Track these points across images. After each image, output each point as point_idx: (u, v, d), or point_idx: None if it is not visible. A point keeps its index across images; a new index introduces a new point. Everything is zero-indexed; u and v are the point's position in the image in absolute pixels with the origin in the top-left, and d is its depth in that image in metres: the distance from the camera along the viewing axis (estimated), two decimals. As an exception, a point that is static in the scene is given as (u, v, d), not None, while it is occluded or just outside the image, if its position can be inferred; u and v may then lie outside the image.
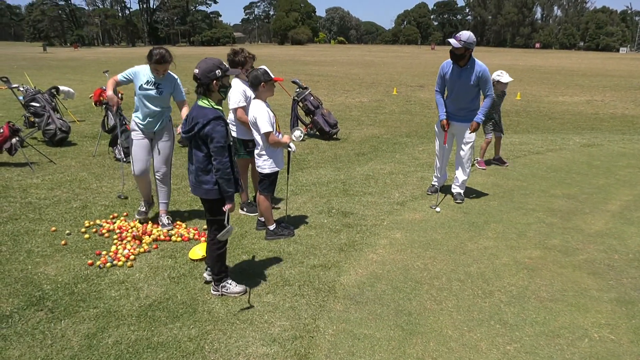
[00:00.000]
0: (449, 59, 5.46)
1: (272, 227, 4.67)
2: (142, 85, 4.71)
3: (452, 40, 5.23)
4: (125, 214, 5.30)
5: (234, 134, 5.15)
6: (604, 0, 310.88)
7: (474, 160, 7.60)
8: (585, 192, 6.27)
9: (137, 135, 4.85)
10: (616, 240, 4.77)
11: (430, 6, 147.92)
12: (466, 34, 5.20)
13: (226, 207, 3.43)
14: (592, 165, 7.64)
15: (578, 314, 3.49)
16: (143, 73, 4.75)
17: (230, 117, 5.12)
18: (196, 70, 3.32)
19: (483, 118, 5.54)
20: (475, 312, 3.49)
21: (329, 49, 78.15)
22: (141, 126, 4.83)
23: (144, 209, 5.08)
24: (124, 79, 4.83)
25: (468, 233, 4.91)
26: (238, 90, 4.89)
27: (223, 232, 3.41)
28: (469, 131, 5.57)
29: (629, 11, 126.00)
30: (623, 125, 11.92)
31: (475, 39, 5.25)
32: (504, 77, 7.18)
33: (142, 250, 4.37)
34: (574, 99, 16.79)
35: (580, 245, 4.64)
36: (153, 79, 4.71)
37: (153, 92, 4.73)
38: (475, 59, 5.37)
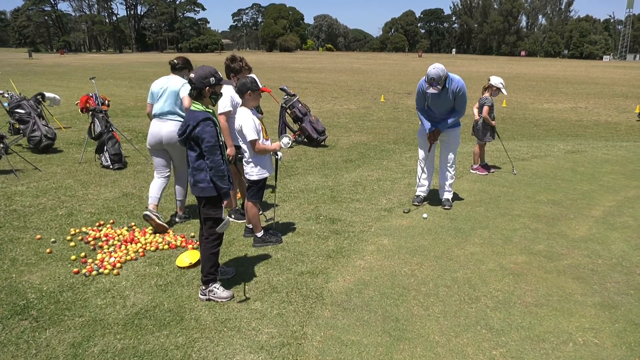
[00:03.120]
0: None
1: (260, 234, 4.67)
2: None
3: (432, 90, 5.28)
4: (111, 221, 5.27)
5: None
6: (588, 9, 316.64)
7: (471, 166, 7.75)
8: (569, 198, 6.35)
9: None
10: (600, 245, 4.84)
11: (418, 14, 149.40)
12: (437, 73, 5.19)
13: (224, 203, 3.58)
14: (576, 171, 7.75)
15: (562, 318, 3.53)
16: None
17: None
18: (192, 75, 3.49)
19: (446, 128, 5.68)
20: (461, 318, 3.52)
21: (317, 56, 78.48)
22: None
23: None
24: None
25: (455, 239, 4.95)
26: (226, 96, 4.90)
27: (221, 224, 3.55)
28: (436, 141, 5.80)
29: (612, 20, 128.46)
30: (607, 131, 12.12)
31: (443, 67, 5.27)
32: (503, 90, 7.29)
33: (128, 258, 4.35)
34: (558, 106, 17.03)
35: (564, 251, 4.70)
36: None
37: None
38: (450, 75, 5.41)
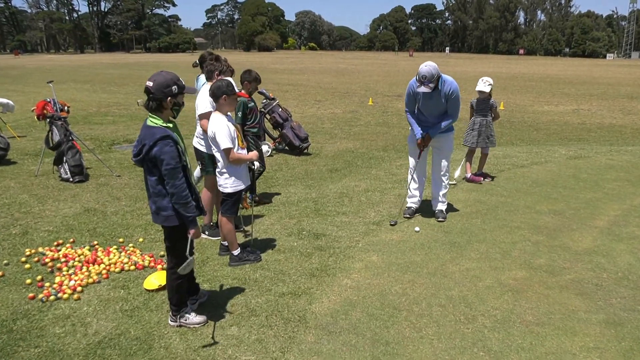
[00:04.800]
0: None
1: (236, 252, 4.66)
2: None
3: (423, 89, 5.36)
4: (71, 240, 5.21)
5: (202, 148, 5.16)
6: (589, 5, 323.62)
7: (464, 176, 7.83)
8: (572, 207, 6.46)
9: None
10: (605, 258, 4.92)
11: (408, 10, 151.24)
12: (429, 71, 5.28)
13: (190, 233, 3.44)
14: (579, 178, 7.89)
15: (565, 337, 3.58)
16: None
17: (199, 129, 5.14)
18: (150, 83, 3.30)
19: (437, 133, 5.75)
20: (457, 339, 3.54)
21: (299, 56, 78.85)
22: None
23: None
24: None
25: (449, 254, 5.00)
26: (207, 95, 4.88)
27: (184, 265, 3.41)
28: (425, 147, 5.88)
29: (615, 16, 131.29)
30: (611, 135, 12.35)
31: (436, 65, 5.36)
32: (478, 84, 7.39)
33: (90, 280, 4.30)
34: (559, 109, 17.33)
35: (567, 264, 4.77)
36: None
37: None
38: (443, 76, 5.50)
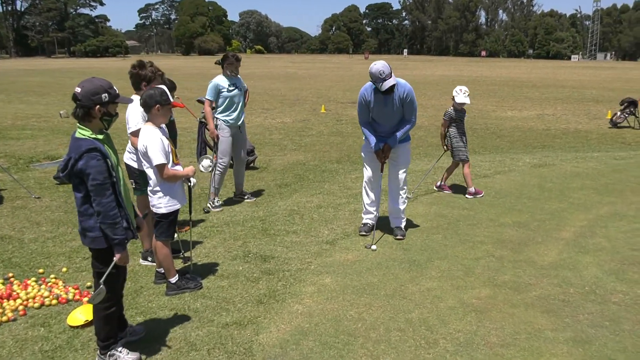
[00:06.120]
0: (369, 83, 5.70)
1: (173, 279, 4.61)
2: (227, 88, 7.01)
3: (390, 82, 5.41)
4: (-18, 272, 5.02)
5: (134, 164, 5.09)
6: (552, 4, 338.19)
7: (439, 184, 8.07)
8: (537, 219, 6.69)
9: (225, 133, 7.13)
10: (571, 271, 5.12)
11: (362, 9, 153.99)
12: (383, 65, 5.41)
13: (116, 257, 3.39)
14: (544, 188, 8.19)
15: (532, 358, 3.70)
16: (222, 81, 7.03)
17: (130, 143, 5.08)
18: (78, 89, 3.29)
19: (397, 142, 5.85)
20: (417, 366, 3.60)
21: (245, 60, 78.22)
22: (231, 122, 7.12)
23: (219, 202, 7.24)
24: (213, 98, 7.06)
25: (409, 273, 5.09)
26: (138, 110, 4.84)
27: (94, 293, 3.37)
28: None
29: (579, 15, 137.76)
30: (576, 141, 12.91)
31: (385, 62, 5.48)
32: (459, 96, 7.47)
33: (4, 319, 4.16)
34: (523, 114, 17.99)
35: (532, 280, 4.94)
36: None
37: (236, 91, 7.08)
38: (396, 78, 5.61)
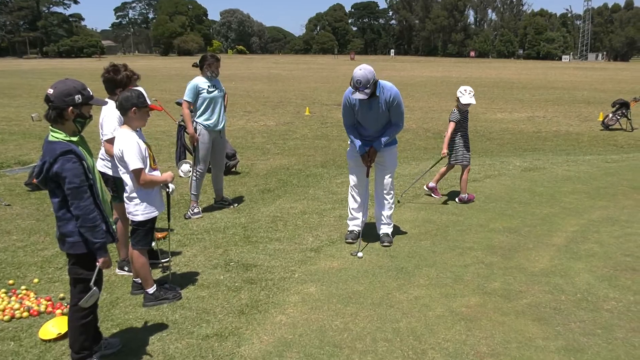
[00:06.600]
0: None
1: (151, 289, 4.58)
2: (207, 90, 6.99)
3: (358, 95, 5.40)
4: (-52, 284, 4.96)
5: (109, 171, 5.05)
6: (542, 3, 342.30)
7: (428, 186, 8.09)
8: (527, 224, 6.75)
9: (205, 139, 7.06)
10: (562, 278, 5.17)
11: (348, 9, 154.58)
12: (363, 75, 5.33)
13: (99, 262, 3.41)
14: (534, 192, 8.27)
15: (522, 369, 3.72)
16: (201, 82, 7.00)
17: (104, 150, 5.05)
18: (50, 91, 3.31)
19: (382, 146, 5.86)
20: (405, 378, 3.61)
21: (226, 61, 78.66)
22: (211, 127, 7.06)
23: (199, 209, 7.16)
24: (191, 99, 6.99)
25: (396, 281, 5.10)
26: (113, 116, 4.81)
27: (86, 296, 3.37)
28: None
29: (569, 15, 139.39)
30: (567, 144, 13.05)
31: (371, 69, 5.42)
32: (464, 97, 7.41)
33: (-28, 332, 4.10)
34: (513, 116, 18.15)
35: (523, 287, 4.97)
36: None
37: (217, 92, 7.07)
38: (381, 82, 5.62)
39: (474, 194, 7.87)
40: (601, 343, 4.03)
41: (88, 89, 3.43)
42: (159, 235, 6.07)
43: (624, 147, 12.69)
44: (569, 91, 28.63)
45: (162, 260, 5.41)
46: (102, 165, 5.14)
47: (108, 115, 4.89)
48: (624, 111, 15.08)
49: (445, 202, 7.71)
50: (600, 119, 16.10)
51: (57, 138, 3.32)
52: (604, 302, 4.69)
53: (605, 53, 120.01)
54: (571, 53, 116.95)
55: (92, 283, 3.41)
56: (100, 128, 4.98)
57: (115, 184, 5.06)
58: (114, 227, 3.64)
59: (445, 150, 7.56)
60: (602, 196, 8.02)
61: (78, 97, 3.33)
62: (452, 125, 7.50)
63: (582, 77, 42.88)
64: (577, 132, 14.98)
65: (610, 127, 15.20)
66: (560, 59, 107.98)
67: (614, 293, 4.85)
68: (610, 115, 15.28)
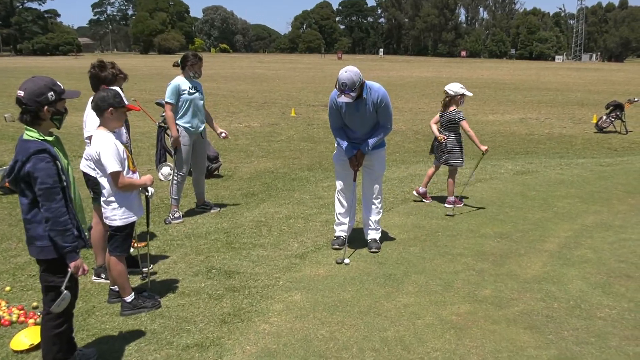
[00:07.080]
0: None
1: (129, 297, 4.56)
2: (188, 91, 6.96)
3: (344, 99, 5.43)
4: None
5: (92, 172, 5.02)
6: (535, 1, 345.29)
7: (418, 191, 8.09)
8: (519, 229, 6.80)
9: (185, 141, 7.02)
10: (555, 285, 5.21)
11: (335, 6, 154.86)
12: (349, 77, 5.35)
13: (71, 267, 3.37)
14: (527, 196, 8.33)
15: (514, 379, 3.75)
16: (183, 82, 6.95)
17: (87, 150, 5.02)
18: (21, 92, 3.28)
19: (370, 149, 5.87)
20: (393, 389, 3.62)
21: (209, 59, 78.53)
22: (192, 129, 7.04)
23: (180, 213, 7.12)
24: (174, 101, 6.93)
25: (384, 289, 5.11)
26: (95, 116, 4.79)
27: (58, 300, 3.35)
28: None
29: (563, 14, 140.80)
30: (561, 147, 13.16)
31: (357, 71, 5.44)
32: (466, 91, 7.54)
33: (-60, 343, 4.06)
34: (505, 118, 18.28)
35: (515, 295, 5.00)
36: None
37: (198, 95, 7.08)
38: (368, 83, 5.64)
39: (462, 199, 7.90)
40: (594, 352, 4.07)
41: (58, 82, 3.41)
42: (139, 244, 6.04)
43: (618, 150, 12.83)
44: (562, 92, 28.89)
45: (144, 269, 5.38)
46: (85, 165, 5.12)
47: (91, 113, 4.87)
48: (618, 113, 15.22)
49: (433, 205, 7.75)
50: (594, 121, 16.23)
51: (31, 137, 3.31)
52: (598, 309, 4.73)
53: (599, 53, 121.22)
54: (564, 53, 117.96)
55: (62, 287, 3.38)
56: (84, 125, 4.96)
57: (97, 186, 5.02)
58: (86, 233, 3.60)
59: (484, 147, 7.50)
60: (595, 201, 8.10)
61: (51, 95, 3.32)
62: (466, 123, 7.56)
63: (575, 78, 43.30)
64: (571, 134, 15.12)
65: (604, 130, 15.33)
66: (554, 59, 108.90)
67: (608, 300, 4.89)
68: (604, 117, 15.40)
